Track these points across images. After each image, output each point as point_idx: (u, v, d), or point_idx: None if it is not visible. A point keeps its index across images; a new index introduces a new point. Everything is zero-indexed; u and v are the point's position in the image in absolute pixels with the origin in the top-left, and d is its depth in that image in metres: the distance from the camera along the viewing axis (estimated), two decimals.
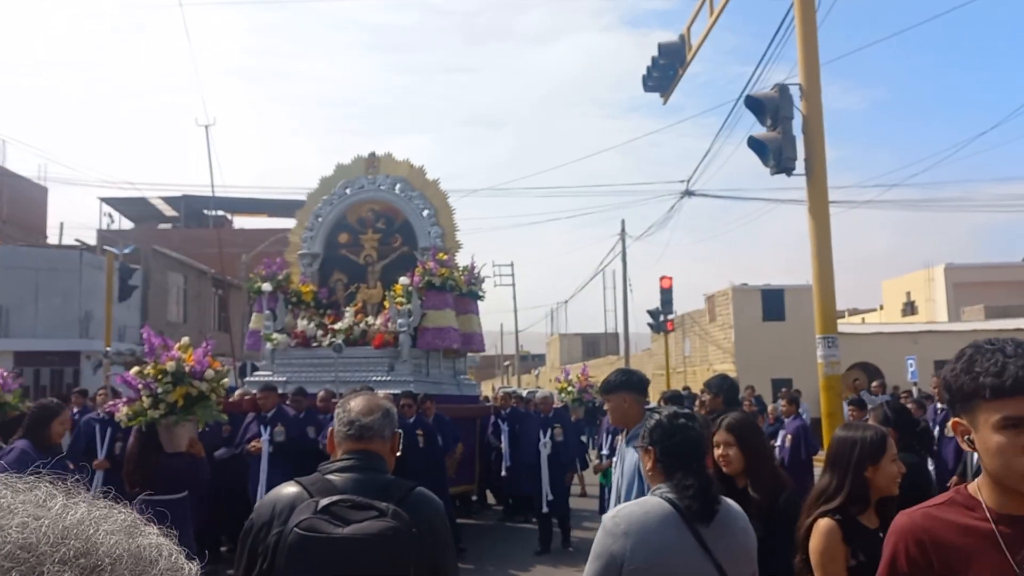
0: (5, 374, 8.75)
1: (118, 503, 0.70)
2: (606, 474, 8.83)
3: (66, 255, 24.67)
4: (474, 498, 12.36)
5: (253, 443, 8.32)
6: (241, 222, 42.55)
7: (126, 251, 21.13)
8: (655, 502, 2.53)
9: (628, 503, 2.72)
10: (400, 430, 2.56)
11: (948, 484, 7.14)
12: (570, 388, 14.27)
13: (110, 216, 38.66)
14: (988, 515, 1.61)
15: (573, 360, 47.09)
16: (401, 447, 2.55)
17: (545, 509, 9.62)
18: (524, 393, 15.37)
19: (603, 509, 7.68)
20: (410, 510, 2.22)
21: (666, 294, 25.18)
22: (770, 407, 12.62)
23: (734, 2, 10.07)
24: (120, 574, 0.63)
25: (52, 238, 32.75)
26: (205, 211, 38.11)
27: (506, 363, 63.55)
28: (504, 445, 11.34)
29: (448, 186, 13.18)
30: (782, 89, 8.22)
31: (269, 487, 5.33)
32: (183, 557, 0.69)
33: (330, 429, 2.55)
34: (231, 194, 33.09)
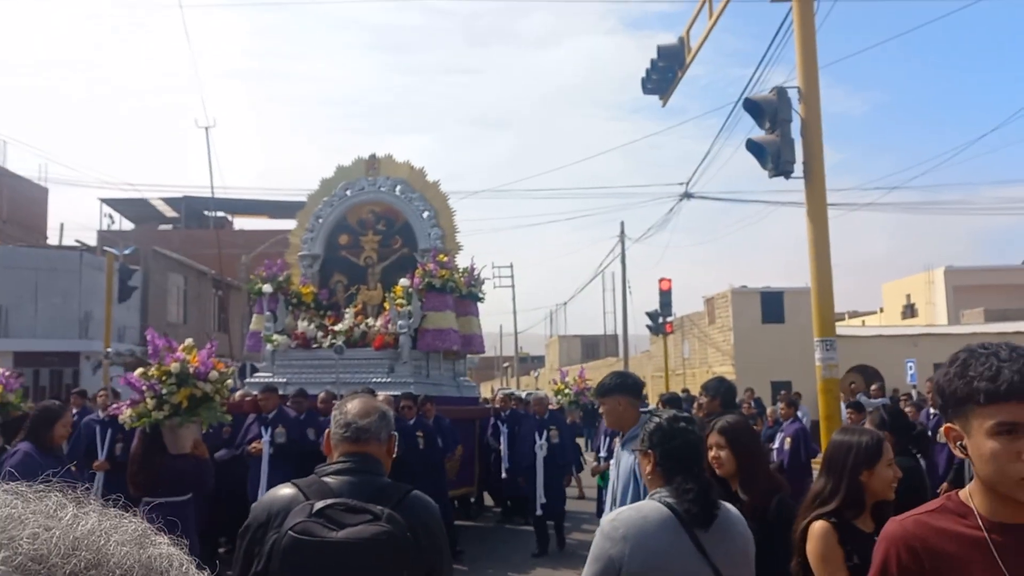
0: (7, 374, 8.74)
1: (127, 511, 0.69)
2: (604, 476, 8.83)
3: (66, 256, 24.68)
4: (472, 500, 12.37)
5: (254, 444, 8.33)
6: (241, 223, 42.60)
7: (126, 252, 21.10)
8: (653, 506, 2.52)
9: (626, 507, 2.71)
10: (396, 433, 2.56)
11: (938, 491, 7.14)
12: (567, 390, 14.29)
13: (110, 217, 38.76)
14: (980, 523, 1.58)
15: (572, 362, 47.13)
16: (400, 449, 2.56)
17: (539, 512, 9.59)
18: (523, 395, 15.37)
19: (601, 511, 7.68)
20: (405, 513, 2.22)
21: (665, 296, 25.16)
22: (769, 410, 12.63)
23: (734, 5, 10.06)
24: None
25: (52, 238, 32.76)
26: (205, 212, 38.11)
27: (505, 365, 63.55)
28: (503, 447, 11.35)
29: (450, 186, 13.23)
30: (780, 92, 8.24)
31: (269, 488, 5.31)
32: (193, 567, 0.69)
33: (327, 431, 2.55)
34: (231, 195, 33.18)
